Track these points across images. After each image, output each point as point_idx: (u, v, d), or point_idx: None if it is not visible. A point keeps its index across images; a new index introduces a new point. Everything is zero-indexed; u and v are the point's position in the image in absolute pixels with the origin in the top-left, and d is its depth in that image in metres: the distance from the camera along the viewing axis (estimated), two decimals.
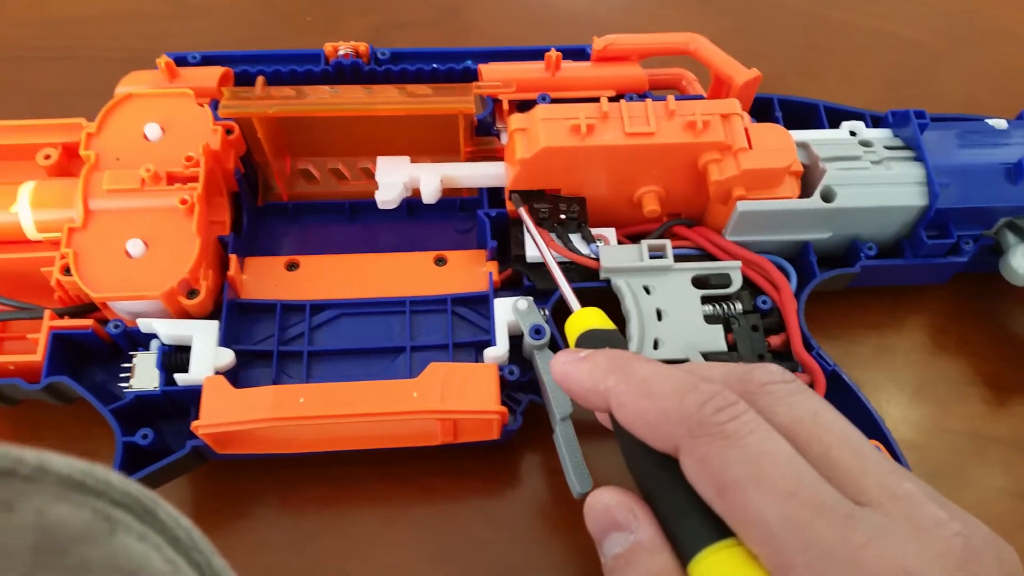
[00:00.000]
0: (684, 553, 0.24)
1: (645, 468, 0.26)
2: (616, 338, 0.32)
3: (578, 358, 0.28)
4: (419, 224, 0.44)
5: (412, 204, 0.43)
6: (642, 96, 0.44)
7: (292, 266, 0.41)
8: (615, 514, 0.26)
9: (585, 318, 0.33)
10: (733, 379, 0.26)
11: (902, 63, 0.56)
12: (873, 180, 0.41)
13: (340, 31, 0.53)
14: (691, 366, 0.27)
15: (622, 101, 0.39)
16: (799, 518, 0.22)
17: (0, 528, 0.15)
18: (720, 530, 0.23)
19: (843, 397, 0.38)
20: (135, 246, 0.36)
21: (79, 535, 0.16)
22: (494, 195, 0.43)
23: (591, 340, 0.32)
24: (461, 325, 0.40)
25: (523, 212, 0.39)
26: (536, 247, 0.39)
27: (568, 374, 0.28)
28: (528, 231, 0.39)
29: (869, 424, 0.38)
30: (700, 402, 0.24)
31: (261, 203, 0.43)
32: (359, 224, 0.44)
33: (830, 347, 0.43)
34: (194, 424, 0.34)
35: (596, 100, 0.39)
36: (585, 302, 0.40)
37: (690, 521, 0.24)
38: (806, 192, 0.41)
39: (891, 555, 0.21)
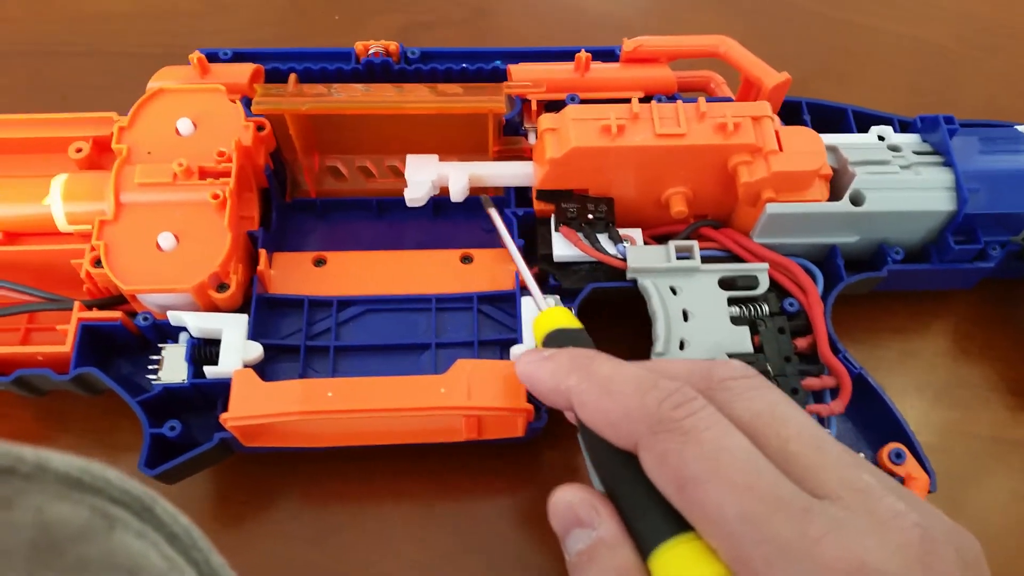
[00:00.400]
0: (645, 548, 0.24)
1: (607, 465, 0.26)
2: (583, 337, 0.32)
3: (541, 357, 0.29)
4: (445, 222, 0.44)
5: (438, 202, 0.43)
6: (671, 98, 0.44)
7: (319, 262, 0.41)
8: (577, 511, 0.26)
9: (552, 317, 0.33)
10: (696, 376, 0.26)
11: (927, 68, 0.56)
12: (902, 185, 0.41)
13: (367, 30, 0.53)
14: (654, 363, 0.28)
15: (652, 102, 0.39)
16: (756, 513, 0.22)
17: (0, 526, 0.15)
18: (679, 525, 0.24)
19: (869, 400, 0.38)
20: (166, 239, 0.37)
21: (77, 533, 0.16)
22: (521, 194, 0.43)
23: (558, 340, 0.32)
24: (486, 323, 0.40)
25: (493, 213, 0.41)
26: (504, 243, 0.40)
27: (531, 374, 0.29)
28: (498, 230, 0.40)
29: (894, 428, 0.38)
30: (660, 399, 0.25)
31: (289, 199, 0.43)
32: (386, 221, 0.44)
33: (854, 350, 0.43)
34: (223, 416, 0.34)
35: (624, 101, 0.39)
36: (611, 302, 0.40)
37: (650, 516, 0.24)
38: (835, 196, 0.41)
39: (849, 547, 0.21)
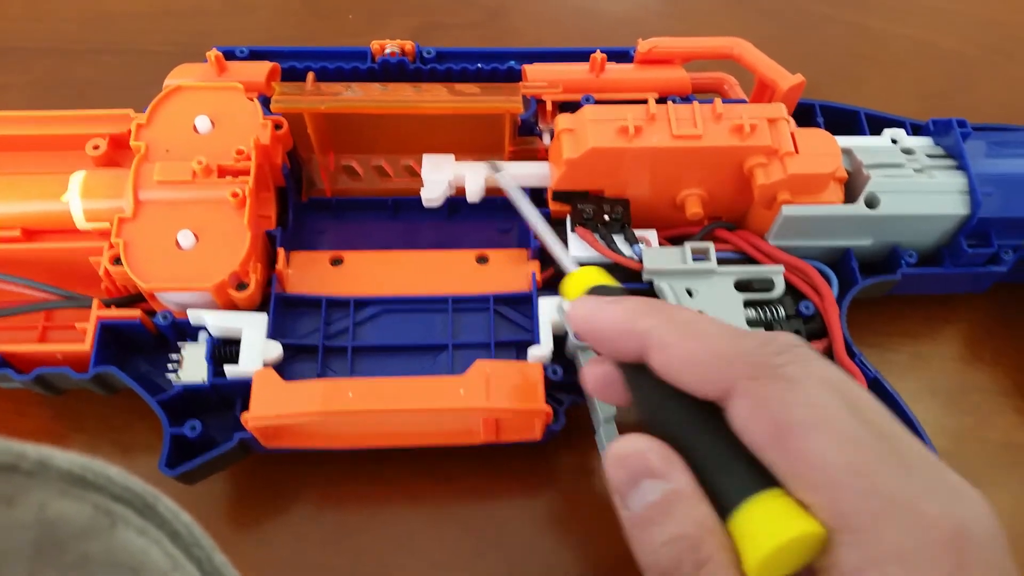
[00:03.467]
0: (725, 504, 0.23)
1: (679, 416, 0.25)
2: (627, 295, 0.30)
3: (605, 300, 0.27)
4: (460, 222, 0.44)
5: (453, 202, 0.43)
6: (685, 99, 0.44)
7: (336, 261, 0.41)
8: (649, 459, 0.24)
9: (589, 275, 0.30)
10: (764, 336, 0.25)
11: (940, 72, 0.56)
12: (916, 188, 0.41)
13: (382, 30, 0.53)
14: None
15: (669, 103, 0.40)
16: (864, 464, 0.21)
17: (1, 523, 0.15)
18: (765, 481, 0.22)
19: (883, 404, 0.38)
20: (186, 238, 0.37)
21: (80, 530, 0.16)
22: (536, 195, 0.43)
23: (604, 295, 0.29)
24: (503, 324, 0.40)
25: (502, 177, 0.39)
26: (515, 204, 0.37)
27: (594, 315, 0.27)
28: (508, 193, 0.37)
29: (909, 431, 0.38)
30: (760, 343, 0.24)
31: (304, 198, 0.44)
32: (401, 221, 0.44)
33: (867, 354, 0.43)
34: (244, 416, 0.34)
35: (639, 102, 0.39)
36: None
37: (733, 471, 0.23)
38: (849, 198, 0.41)
39: (949, 509, 0.21)
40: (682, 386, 0.24)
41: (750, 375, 0.23)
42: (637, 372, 0.26)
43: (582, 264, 0.31)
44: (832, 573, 0.21)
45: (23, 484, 0.16)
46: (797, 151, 0.39)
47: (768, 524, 0.22)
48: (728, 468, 0.23)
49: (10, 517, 0.15)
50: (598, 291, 0.29)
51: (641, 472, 0.24)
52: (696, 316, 0.26)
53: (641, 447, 0.24)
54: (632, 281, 0.40)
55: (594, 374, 0.28)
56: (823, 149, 0.40)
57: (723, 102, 0.40)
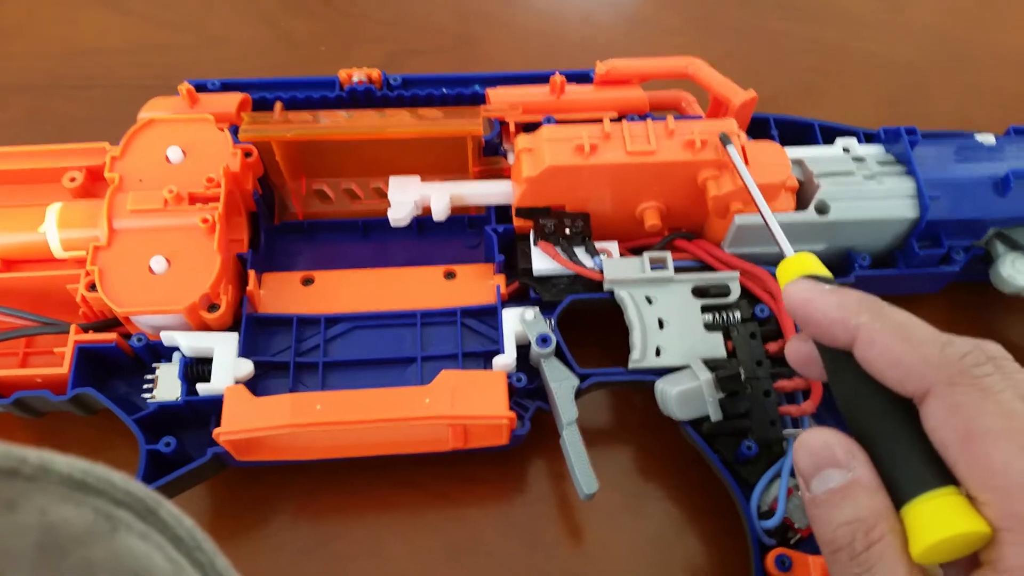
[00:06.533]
0: (901, 495, 0.25)
1: (873, 408, 0.27)
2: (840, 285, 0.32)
3: (823, 289, 0.29)
4: (429, 240, 0.45)
5: (422, 222, 0.45)
6: (643, 117, 0.45)
7: (308, 281, 0.43)
8: (835, 450, 0.27)
9: (804, 263, 0.32)
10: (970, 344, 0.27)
11: (896, 83, 0.58)
12: (866, 194, 0.43)
13: (354, 60, 0.55)
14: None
15: (623, 121, 0.41)
16: None
17: (3, 528, 0.15)
18: (943, 478, 0.25)
19: None
20: (158, 263, 0.38)
21: (81, 535, 0.16)
22: (501, 212, 0.44)
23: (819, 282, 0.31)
24: (470, 336, 0.41)
25: (731, 149, 0.39)
26: (743, 180, 0.38)
27: (812, 301, 0.29)
28: (737, 168, 0.39)
29: None
30: (961, 353, 0.25)
31: (278, 222, 0.45)
32: (372, 241, 0.45)
33: None
34: (216, 431, 0.35)
35: (597, 121, 0.41)
36: (589, 313, 0.42)
37: (914, 465, 0.25)
38: (801, 206, 0.43)
39: None
40: (884, 381, 0.27)
41: (950, 381, 0.25)
42: (839, 359, 0.28)
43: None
44: (997, 567, 0.24)
45: (24, 489, 0.16)
46: (748, 163, 0.40)
47: (940, 517, 0.24)
48: (910, 461, 0.26)
49: (11, 521, 0.15)
50: (814, 278, 0.31)
51: (826, 462, 0.27)
52: (908, 318, 0.27)
53: (829, 440, 0.27)
54: (594, 291, 0.41)
55: (797, 350, 0.32)
56: (773, 160, 0.41)
57: (677, 118, 0.41)
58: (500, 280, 0.42)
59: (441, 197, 0.42)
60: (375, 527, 0.40)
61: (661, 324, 0.40)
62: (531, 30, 0.61)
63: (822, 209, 0.42)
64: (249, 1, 0.60)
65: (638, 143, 0.40)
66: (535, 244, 0.42)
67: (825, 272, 0.31)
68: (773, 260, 0.43)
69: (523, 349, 0.40)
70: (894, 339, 0.26)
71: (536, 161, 0.41)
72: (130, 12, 0.59)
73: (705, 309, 0.41)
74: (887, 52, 0.60)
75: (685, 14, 0.62)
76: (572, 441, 0.37)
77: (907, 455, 0.26)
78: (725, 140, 0.40)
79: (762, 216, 0.36)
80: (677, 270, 0.41)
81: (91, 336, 0.39)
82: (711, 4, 0.62)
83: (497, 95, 0.46)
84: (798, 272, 0.31)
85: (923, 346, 0.26)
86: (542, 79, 0.47)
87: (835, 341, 0.28)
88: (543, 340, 0.39)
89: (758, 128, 0.48)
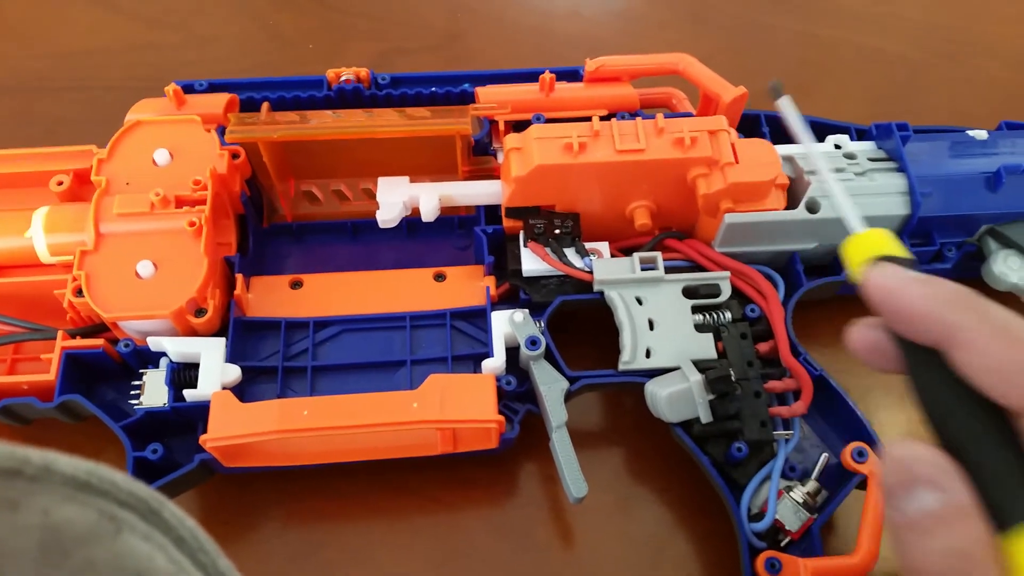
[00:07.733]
0: (1002, 521, 0.22)
1: (968, 424, 0.23)
2: (919, 267, 0.28)
3: (912, 276, 0.25)
4: (419, 242, 0.45)
5: (412, 223, 0.44)
6: (633, 115, 0.45)
7: (296, 284, 0.42)
8: (929, 469, 0.23)
9: (877, 241, 0.27)
10: None
11: (888, 77, 0.58)
12: (857, 191, 0.42)
13: (343, 58, 0.55)
14: None
15: (613, 120, 0.41)
16: None
17: (6, 527, 0.15)
18: None
19: (831, 401, 0.40)
20: (145, 267, 0.38)
21: (84, 535, 0.16)
22: (491, 212, 0.44)
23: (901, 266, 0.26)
24: (460, 338, 0.41)
25: (783, 103, 0.33)
26: (799, 139, 0.32)
27: (899, 290, 0.25)
28: (789, 125, 0.32)
29: (856, 427, 0.39)
30: None
31: (266, 224, 0.45)
32: (361, 243, 0.45)
33: (820, 354, 0.44)
34: (202, 437, 0.35)
35: (587, 119, 0.41)
36: (579, 314, 0.42)
37: (1019, 487, 0.22)
38: (792, 204, 0.42)
39: None
40: (983, 389, 0.23)
41: None
42: (925, 359, 0.24)
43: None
44: None
45: (27, 489, 0.16)
46: (738, 161, 0.40)
47: None
48: (1012, 483, 0.22)
49: (14, 521, 0.15)
50: (891, 260, 0.26)
51: (916, 480, 0.23)
52: (1013, 319, 0.23)
53: (922, 456, 0.23)
54: (584, 292, 0.41)
55: (864, 337, 0.27)
56: (763, 158, 0.41)
57: (668, 116, 0.41)
58: (490, 282, 0.42)
59: (430, 198, 0.42)
60: (365, 532, 0.40)
61: (651, 325, 0.40)
62: (521, 26, 0.60)
63: (813, 207, 0.42)
64: None
65: (627, 141, 0.40)
66: (525, 245, 0.42)
67: (904, 252, 0.27)
68: (767, 259, 0.43)
69: (513, 351, 0.40)
70: (999, 343, 0.23)
71: (525, 160, 0.40)
72: (120, 10, 0.58)
73: (695, 309, 0.41)
74: (880, 45, 0.59)
75: (676, 9, 0.62)
76: (562, 445, 0.37)
77: (1012, 475, 0.22)
78: (777, 91, 0.33)
79: (825, 182, 0.31)
80: (668, 270, 0.41)
81: (78, 342, 0.38)
82: None
83: (486, 93, 0.46)
84: (871, 252, 0.26)
85: None
86: (531, 77, 0.46)
87: (923, 337, 0.24)
88: (532, 342, 0.38)
89: (749, 125, 0.47)
